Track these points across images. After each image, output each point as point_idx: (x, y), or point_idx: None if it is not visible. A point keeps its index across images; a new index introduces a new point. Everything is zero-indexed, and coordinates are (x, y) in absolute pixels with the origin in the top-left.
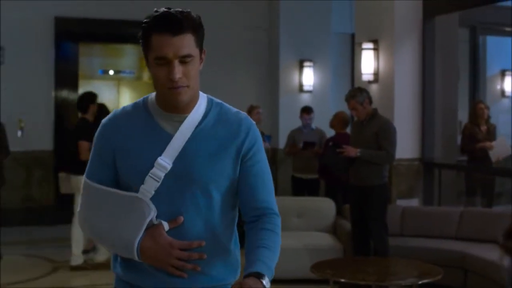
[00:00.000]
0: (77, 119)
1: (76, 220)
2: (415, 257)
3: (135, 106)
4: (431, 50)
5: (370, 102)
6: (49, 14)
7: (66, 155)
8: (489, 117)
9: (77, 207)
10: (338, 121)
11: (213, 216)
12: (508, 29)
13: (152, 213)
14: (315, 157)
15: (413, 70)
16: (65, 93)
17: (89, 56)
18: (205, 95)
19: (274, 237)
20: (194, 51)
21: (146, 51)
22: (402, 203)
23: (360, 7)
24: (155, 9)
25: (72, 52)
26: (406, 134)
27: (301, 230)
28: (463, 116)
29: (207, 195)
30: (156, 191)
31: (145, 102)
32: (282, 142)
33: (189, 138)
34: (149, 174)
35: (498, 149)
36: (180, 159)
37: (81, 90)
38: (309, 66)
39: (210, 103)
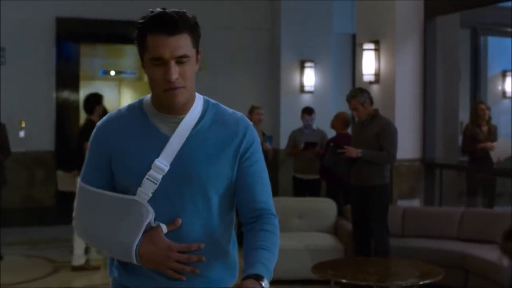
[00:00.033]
0: (84, 121)
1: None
2: (416, 258)
3: (130, 108)
4: (432, 51)
5: (371, 102)
6: (50, 15)
7: (66, 155)
8: (490, 117)
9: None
10: (339, 121)
11: (212, 217)
12: (509, 29)
13: (150, 216)
14: (316, 158)
15: (414, 70)
16: (66, 94)
17: (90, 57)
18: (201, 96)
19: (273, 238)
20: (191, 51)
21: (141, 52)
22: (403, 203)
23: (361, 7)
24: (150, 9)
25: (73, 53)
26: (407, 134)
27: (302, 230)
28: (464, 116)
29: (205, 196)
30: (153, 194)
31: (140, 103)
32: (283, 143)
33: (186, 140)
34: (147, 176)
35: (499, 150)
36: (178, 161)
37: (82, 91)
38: (310, 67)
39: (206, 104)
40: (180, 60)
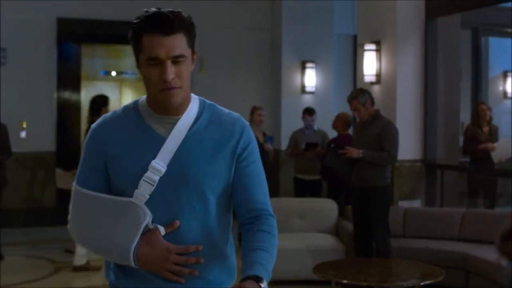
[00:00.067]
0: (89, 122)
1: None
2: (417, 258)
3: (125, 109)
4: (433, 51)
5: (372, 103)
6: (51, 15)
7: (67, 155)
8: (491, 118)
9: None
10: (340, 122)
11: (209, 219)
12: (510, 30)
13: (148, 218)
14: (317, 158)
15: (415, 71)
16: (67, 94)
17: (92, 57)
18: (196, 96)
19: (271, 239)
20: (186, 51)
21: (137, 52)
22: (404, 204)
23: (362, 8)
24: (145, 9)
25: (75, 53)
26: (408, 135)
27: (303, 231)
28: (465, 117)
29: (203, 198)
30: (150, 195)
31: (135, 105)
32: (284, 143)
33: (182, 141)
34: (143, 178)
35: (500, 150)
36: (175, 162)
37: (83, 91)
38: (311, 67)
39: (202, 104)
40: (176, 60)
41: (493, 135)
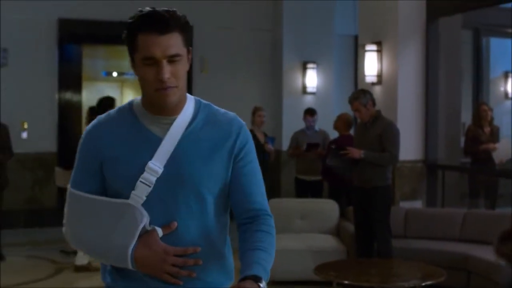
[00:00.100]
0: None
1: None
2: (418, 259)
3: (120, 110)
4: (435, 52)
5: (374, 103)
6: (52, 16)
7: (68, 155)
8: (492, 118)
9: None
10: (341, 122)
11: (207, 220)
12: (511, 31)
13: (145, 220)
14: (319, 159)
15: (416, 71)
16: (68, 95)
17: (93, 58)
18: (192, 96)
19: (270, 239)
20: (182, 50)
21: (132, 52)
22: (405, 205)
23: (363, 9)
24: (140, 8)
25: (76, 54)
26: (409, 135)
27: (304, 232)
28: (466, 117)
29: (200, 198)
30: (147, 197)
31: (130, 105)
32: (285, 144)
33: (179, 141)
34: (140, 179)
35: (502, 151)
36: (171, 163)
37: (84, 92)
38: (313, 68)
39: (198, 104)
40: (172, 59)
41: (494, 135)
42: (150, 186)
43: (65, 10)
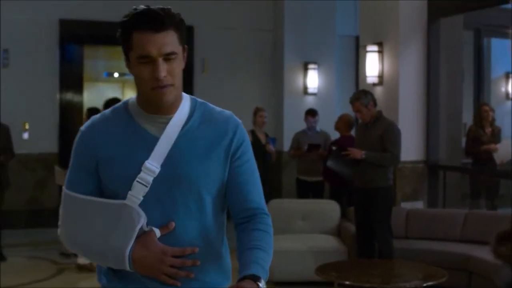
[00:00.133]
0: None
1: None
2: (419, 260)
3: (114, 110)
4: (436, 52)
5: (375, 104)
6: (53, 17)
7: (68, 156)
8: (493, 119)
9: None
10: (342, 123)
11: (205, 219)
12: None
13: (142, 220)
14: (320, 160)
15: (417, 72)
16: (69, 96)
17: (94, 59)
18: (187, 95)
19: (267, 238)
20: (178, 48)
21: (127, 51)
22: (406, 205)
23: (364, 9)
24: (134, 7)
25: (77, 55)
26: (410, 136)
27: (305, 232)
28: (467, 118)
29: (198, 198)
30: (144, 197)
31: (125, 105)
32: (286, 145)
33: (175, 140)
34: (137, 179)
35: (503, 152)
36: (168, 162)
37: (85, 93)
38: (314, 69)
39: (193, 103)
40: (168, 57)
41: (496, 136)
42: (147, 186)
43: (66, 11)
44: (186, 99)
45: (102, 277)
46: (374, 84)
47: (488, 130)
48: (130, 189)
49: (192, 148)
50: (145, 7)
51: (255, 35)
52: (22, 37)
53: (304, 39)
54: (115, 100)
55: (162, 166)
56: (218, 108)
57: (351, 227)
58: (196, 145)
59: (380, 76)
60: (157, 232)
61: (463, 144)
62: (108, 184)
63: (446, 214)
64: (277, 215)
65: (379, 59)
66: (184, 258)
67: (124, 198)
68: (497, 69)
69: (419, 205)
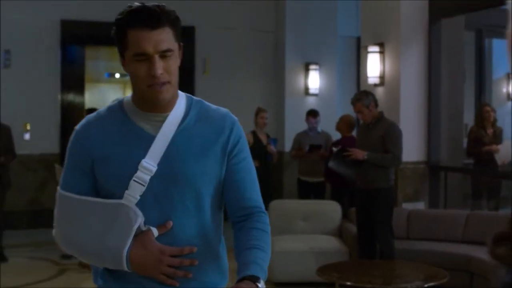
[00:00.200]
0: None
1: None
2: (421, 260)
3: (109, 109)
4: (437, 53)
5: (376, 105)
6: (55, 17)
7: None
8: (495, 120)
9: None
10: (344, 124)
11: (203, 218)
12: None
13: (140, 219)
14: (321, 160)
15: (419, 73)
16: (71, 96)
17: (95, 59)
18: (183, 93)
19: (266, 237)
20: (173, 45)
21: (122, 49)
22: (408, 206)
23: (365, 10)
24: (129, 4)
25: (78, 55)
26: (412, 137)
27: (307, 233)
28: (469, 119)
29: (195, 196)
30: (141, 196)
31: (120, 104)
32: (288, 145)
33: (172, 138)
34: (134, 178)
35: (504, 153)
36: (165, 161)
37: (87, 93)
38: (315, 69)
39: (189, 101)
40: (164, 54)
41: (497, 137)
42: (144, 185)
43: (68, 12)
44: (182, 97)
45: (98, 278)
46: (375, 85)
47: (490, 130)
48: (126, 189)
49: (189, 146)
50: (139, 4)
51: (256, 36)
52: (24, 38)
53: (306, 40)
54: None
55: (159, 164)
56: (214, 106)
57: (353, 228)
58: (193, 143)
59: (381, 77)
60: (155, 231)
61: (465, 144)
62: (104, 183)
63: (447, 215)
64: (278, 216)
65: (380, 60)
66: (182, 258)
67: (120, 197)
68: (498, 69)
69: (421, 205)
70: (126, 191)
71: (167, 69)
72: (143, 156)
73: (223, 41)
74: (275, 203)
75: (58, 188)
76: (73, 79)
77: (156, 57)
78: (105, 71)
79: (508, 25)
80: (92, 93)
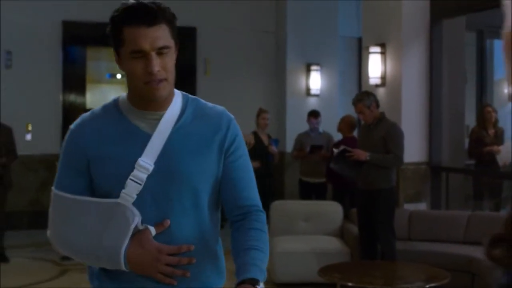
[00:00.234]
0: None
1: None
2: (422, 261)
3: (105, 108)
4: (438, 54)
5: (377, 105)
6: (56, 18)
7: None
8: (497, 120)
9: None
10: (345, 124)
11: (200, 217)
12: None
13: (137, 219)
14: (323, 161)
15: (420, 73)
16: (72, 97)
17: (97, 60)
18: (179, 91)
19: (263, 237)
20: (170, 42)
21: (117, 46)
22: (409, 207)
23: (367, 10)
24: (123, 1)
25: (80, 56)
26: (413, 137)
27: (308, 234)
28: (470, 119)
29: (193, 194)
30: (138, 195)
31: (115, 102)
32: (289, 146)
33: (168, 137)
34: (130, 177)
35: (506, 153)
36: (162, 159)
37: (88, 94)
38: (316, 70)
39: (185, 99)
40: (161, 51)
41: (499, 137)
42: (140, 184)
43: (69, 12)
44: (177, 95)
45: (94, 279)
46: (376, 86)
47: (491, 131)
48: (123, 188)
49: (186, 144)
50: (135, 1)
51: (257, 36)
52: (25, 39)
53: (307, 40)
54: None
55: (156, 163)
56: (210, 104)
57: (354, 229)
58: (190, 141)
59: (383, 78)
60: (152, 230)
61: (466, 145)
62: (101, 183)
63: (449, 216)
64: (279, 217)
65: (381, 61)
66: (180, 256)
67: (117, 197)
68: (499, 70)
69: (422, 206)
70: (123, 190)
71: (164, 66)
72: (140, 155)
73: (224, 41)
74: (276, 204)
75: (53, 188)
76: (75, 79)
77: (153, 54)
78: (107, 71)
79: (503, 26)
80: (94, 94)
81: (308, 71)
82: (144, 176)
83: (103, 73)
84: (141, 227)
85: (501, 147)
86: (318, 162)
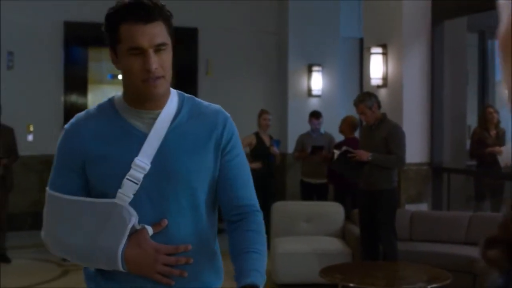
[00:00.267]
0: None
1: None
2: (424, 262)
3: (100, 107)
4: (440, 55)
5: (379, 106)
6: (58, 19)
7: None
8: (498, 121)
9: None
10: (347, 125)
11: (198, 216)
12: None
13: (133, 219)
14: (324, 162)
15: (421, 74)
16: (74, 98)
17: (98, 61)
18: (174, 90)
19: (261, 239)
20: (167, 39)
21: (114, 44)
22: (411, 207)
23: (368, 11)
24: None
25: (81, 57)
26: (415, 138)
27: (310, 234)
28: (472, 120)
29: (190, 194)
30: (135, 195)
31: (111, 101)
32: (291, 147)
33: (165, 136)
34: (127, 176)
35: (507, 154)
36: (158, 159)
37: (90, 95)
38: (318, 71)
39: (181, 97)
40: (159, 48)
41: (501, 138)
42: (137, 184)
43: (71, 13)
44: (173, 94)
45: (90, 280)
46: (378, 86)
47: (493, 132)
48: (120, 188)
49: (182, 143)
50: None
51: (259, 37)
52: (27, 39)
53: (308, 41)
54: None
55: (152, 162)
56: (205, 103)
57: (355, 229)
58: (186, 140)
59: (384, 78)
60: (150, 230)
61: (468, 146)
62: (97, 183)
63: (450, 217)
64: (281, 217)
65: (383, 61)
66: (178, 256)
67: (114, 197)
68: None
69: (424, 207)
70: (119, 190)
71: (162, 63)
72: (136, 154)
73: (226, 42)
74: (278, 205)
75: (47, 188)
76: (76, 80)
77: (151, 51)
78: (108, 72)
79: (499, 25)
80: (95, 95)
81: (309, 71)
82: (140, 176)
83: (105, 74)
84: (138, 227)
85: (503, 148)
86: (320, 163)
